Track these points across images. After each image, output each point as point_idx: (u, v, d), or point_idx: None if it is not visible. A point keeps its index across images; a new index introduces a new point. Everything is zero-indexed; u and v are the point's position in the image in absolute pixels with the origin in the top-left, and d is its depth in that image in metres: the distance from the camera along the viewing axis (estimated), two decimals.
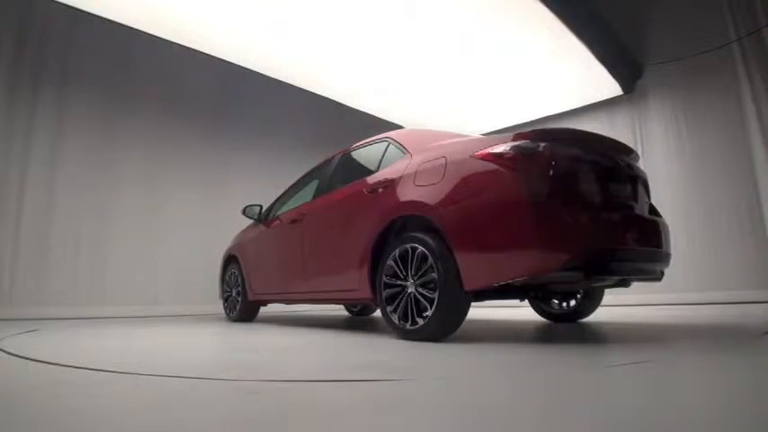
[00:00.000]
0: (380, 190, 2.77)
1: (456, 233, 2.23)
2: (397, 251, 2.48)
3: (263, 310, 4.85)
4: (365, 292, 2.74)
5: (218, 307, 5.59)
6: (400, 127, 6.75)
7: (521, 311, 4.70)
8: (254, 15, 5.03)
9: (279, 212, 4.04)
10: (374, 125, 6.52)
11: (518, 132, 2.25)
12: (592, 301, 3.25)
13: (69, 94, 5.01)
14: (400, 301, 2.44)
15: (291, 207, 3.86)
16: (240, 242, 4.58)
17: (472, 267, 2.17)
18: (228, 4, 4.82)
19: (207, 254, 5.76)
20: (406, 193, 2.57)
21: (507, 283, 2.10)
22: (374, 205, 2.77)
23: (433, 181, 2.44)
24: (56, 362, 1.76)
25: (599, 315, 3.38)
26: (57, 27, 4.94)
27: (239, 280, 4.36)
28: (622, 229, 2.26)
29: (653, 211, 2.66)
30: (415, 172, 2.58)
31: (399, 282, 2.46)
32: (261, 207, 4.30)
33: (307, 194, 3.79)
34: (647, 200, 2.59)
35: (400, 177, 2.67)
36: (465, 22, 5.13)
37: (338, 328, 3.50)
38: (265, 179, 6.37)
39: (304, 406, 1.10)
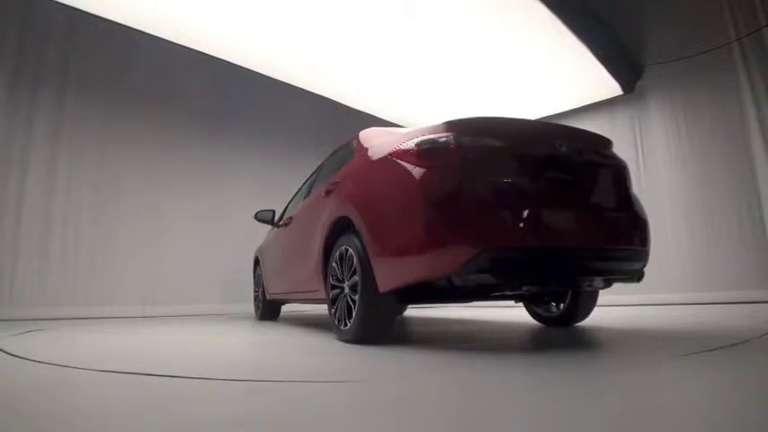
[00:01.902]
0: (332, 192, 2.74)
1: (368, 234, 2.17)
2: (337, 253, 2.45)
3: (288, 310, 4.95)
4: (323, 293, 2.70)
5: (219, 307, 5.64)
6: (400, 127, 6.74)
7: (521, 314, 4.67)
8: (255, 16, 5.03)
9: (285, 216, 4.18)
10: (374, 125, 6.49)
11: (448, 121, 2.07)
12: (583, 303, 2.86)
13: (69, 95, 5.00)
14: (339, 303, 2.41)
15: (293, 210, 3.98)
16: (262, 244, 4.77)
17: (381, 269, 2.09)
18: (229, 4, 4.82)
19: (206, 254, 5.76)
20: (344, 195, 2.54)
21: (429, 284, 1.96)
22: (325, 207, 2.75)
23: (360, 181, 2.41)
24: (56, 362, 1.77)
25: (594, 317, 3.24)
26: (57, 27, 4.94)
27: (261, 280, 4.54)
28: (549, 225, 1.97)
29: (627, 202, 2.32)
30: (354, 172, 2.55)
31: (340, 283, 2.42)
32: (273, 212, 4.40)
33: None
34: (617, 190, 2.31)
35: (345, 178, 2.64)
36: (465, 22, 5.13)
37: (325, 329, 3.46)
38: (265, 179, 6.38)
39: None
